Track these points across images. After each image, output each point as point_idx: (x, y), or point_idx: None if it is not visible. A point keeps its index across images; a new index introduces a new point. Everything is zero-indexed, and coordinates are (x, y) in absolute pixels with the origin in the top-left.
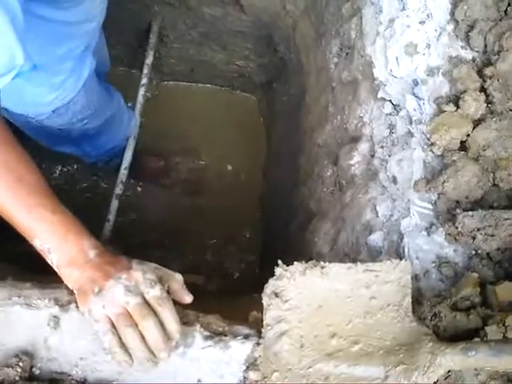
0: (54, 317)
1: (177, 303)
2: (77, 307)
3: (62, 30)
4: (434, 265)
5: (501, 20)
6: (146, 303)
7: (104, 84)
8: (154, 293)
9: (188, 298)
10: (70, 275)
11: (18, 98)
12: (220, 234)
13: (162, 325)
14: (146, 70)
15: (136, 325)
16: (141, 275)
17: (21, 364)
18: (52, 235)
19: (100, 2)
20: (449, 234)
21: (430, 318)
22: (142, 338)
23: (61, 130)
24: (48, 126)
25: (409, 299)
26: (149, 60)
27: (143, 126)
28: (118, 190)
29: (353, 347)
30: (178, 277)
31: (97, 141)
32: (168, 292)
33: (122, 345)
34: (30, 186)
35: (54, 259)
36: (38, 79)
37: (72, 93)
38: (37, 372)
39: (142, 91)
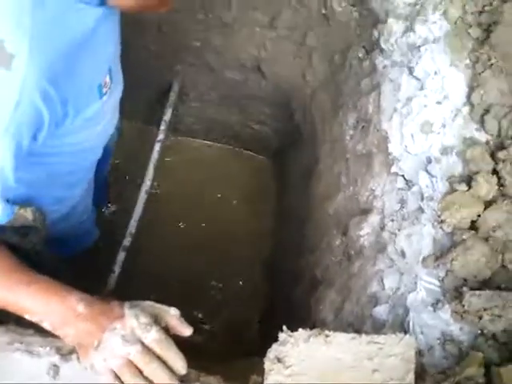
0: (54, 366)
1: None
2: (78, 358)
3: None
4: (438, 341)
5: None
6: (147, 348)
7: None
8: (151, 336)
9: (187, 331)
10: (67, 334)
11: None
12: (223, 293)
13: (166, 364)
14: (163, 126)
15: (141, 371)
16: (135, 321)
17: None
18: (35, 306)
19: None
20: (455, 312)
21: None
22: (149, 381)
23: None
24: None
25: (412, 375)
26: (167, 117)
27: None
28: (126, 241)
29: None
30: (174, 311)
31: None
32: (167, 328)
33: None
34: (3, 267)
35: (47, 326)
36: None
37: None
38: None
39: (157, 147)
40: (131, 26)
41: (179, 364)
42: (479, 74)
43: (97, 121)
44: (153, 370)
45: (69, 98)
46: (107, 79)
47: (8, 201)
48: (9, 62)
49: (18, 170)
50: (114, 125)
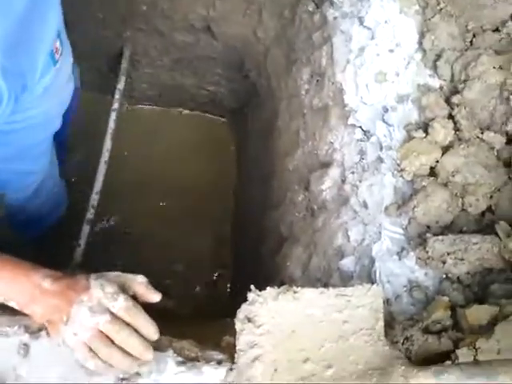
0: (24, 344)
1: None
2: (47, 334)
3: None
4: (405, 289)
5: (466, 50)
6: (115, 317)
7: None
8: (119, 305)
9: (155, 297)
10: (35, 312)
11: None
12: (190, 257)
13: (137, 331)
14: (117, 95)
15: (112, 341)
16: (100, 291)
17: None
18: (0, 286)
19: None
20: (419, 258)
21: (402, 341)
22: (122, 350)
23: None
24: None
25: (381, 323)
26: (120, 85)
27: (113, 150)
28: (89, 214)
29: (326, 371)
30: (141, 279)
31: None
32: (135, 297)
33: (107, 363)
34: None
35: (13, 305)
36: None
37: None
38: None
39: (113, 116)
40: None
41: (150, 330)
42: (429, 19)
43: (54, 91)
44: (124, 337)
45: (25, 69)
46: (57, 45)
47: None
48: None
49: None
50: (70, 95)
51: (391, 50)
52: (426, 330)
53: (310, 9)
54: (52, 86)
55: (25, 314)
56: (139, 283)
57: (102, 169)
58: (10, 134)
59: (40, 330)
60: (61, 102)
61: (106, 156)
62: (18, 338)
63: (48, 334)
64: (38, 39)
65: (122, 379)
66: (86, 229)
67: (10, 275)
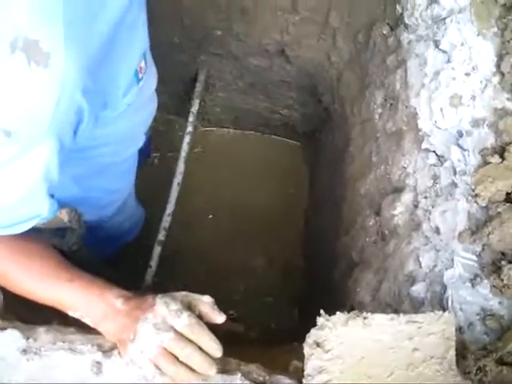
0: (97, 362)
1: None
2: (119, 354)
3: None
4: (478, 317)
5: None
6: (179, 334)
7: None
8: (182, 322)
9: (219, 318)
10: (108, 330)
11: None
12: (260, 280)
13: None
14: (191, 118)
15: (177, 358)
16: (165, 309)
17: None
18: (77, 303)
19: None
20: (494, 286)
21: (474, 372)
22: (187, 366)
23: None
24: None
25: (452, 352)
26: (194, 108)
27: (187, 172)
28: (161, 236)
29: None
30: (207, 299)
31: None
32: (201, 317)
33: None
34: (42, 265)
35: (88, 322)
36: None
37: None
38: None
39: (187, 139)
40: (154, 22)
41: (213, 347)
42: (508, 41)
43: (135, 109)
44: (188, 354)
45: (106, 88)
46: (142, 64)
47: (53, 196)
48: (46, 60)
49: (67, 166)
50: (153, 114)
51: (467, 74)
52: (501, 361)
53: (385, 32)
54: (134, 104)
55: (98, 333)
56: (205, 303)
57: (174, 191)
58: (88, 150)
59: (112, 348)
60: (143, 120)
61: (178, 178)
62: (91, 355)
63: (119, 353)
64: (121, 60)
65: None
66: (157, 250)
67: (87, 293)
